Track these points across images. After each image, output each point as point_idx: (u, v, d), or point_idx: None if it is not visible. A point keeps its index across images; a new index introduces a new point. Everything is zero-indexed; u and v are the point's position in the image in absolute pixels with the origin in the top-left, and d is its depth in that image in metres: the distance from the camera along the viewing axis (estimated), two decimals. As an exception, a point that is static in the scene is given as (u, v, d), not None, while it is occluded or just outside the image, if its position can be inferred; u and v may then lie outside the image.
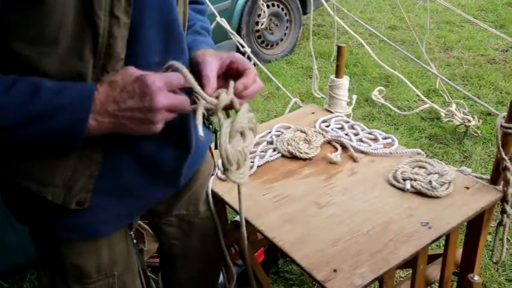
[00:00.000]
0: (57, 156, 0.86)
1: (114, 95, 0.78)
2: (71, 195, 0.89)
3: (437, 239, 1.15)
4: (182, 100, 0.82)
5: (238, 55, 0.95)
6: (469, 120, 2.81)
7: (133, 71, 0.81)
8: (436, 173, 1.30)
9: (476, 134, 2.88)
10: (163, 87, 0.79)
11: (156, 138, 0.88)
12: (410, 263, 1.17)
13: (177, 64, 0.83)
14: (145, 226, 1.86)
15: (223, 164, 0.88)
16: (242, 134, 0.89)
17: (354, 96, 1.79)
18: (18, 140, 0.79)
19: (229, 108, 0.92)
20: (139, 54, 0.85)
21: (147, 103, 0.77)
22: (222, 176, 1.40)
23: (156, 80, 0.78)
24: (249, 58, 2.39)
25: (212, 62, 0.92)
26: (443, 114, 2.98)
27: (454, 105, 2.92)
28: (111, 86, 0.79)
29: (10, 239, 1.87)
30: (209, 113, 0.90)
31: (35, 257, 1.95)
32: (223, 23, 2.31)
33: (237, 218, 1.97)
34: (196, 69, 0.94)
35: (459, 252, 1.40)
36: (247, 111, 0.89)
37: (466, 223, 1.29)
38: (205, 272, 1.46)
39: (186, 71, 0.83)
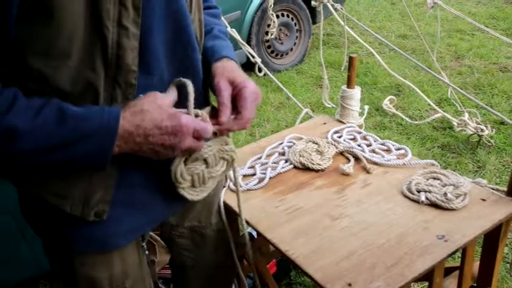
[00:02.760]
0: (74, 169, 0.86)
1: (145, 127, 0.81)
2: (88, 207, 0.89)
3: (454, 253, 1.12)
4: (201, 145, 0.90)
5: (249, 91, 0.96)
6: (482, 130, 2.77)
7: (164, 102, 0.83)
8: (451, 185, 1.28)
9: (489, 144, 2.84)
10: (192, 133, 0.84)
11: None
12: (426, 276, 1.15)
13: (184, 81, 0.87)
14: (157, 237, 1.85)
15: (173, 180, 0.95)
16: (206, 161, 0.96)
17: (366, 107, 1.78)
18: (42, 163, 0.81)
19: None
20: (151, 64, 0.86)
21: (174, 142, 0.83)
22: (234, 188, 1.39)
23: (189, 123, 0.83)
24: (259, 69, 2.39)
25: (226, 89, 0.95)
26: (455, 124, 2.95)
27: (466, 115, 2.88)
28: (142, 116, 0.81)
29: (23, 251, 1.88)
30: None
31: (47, 269, 1.96)
32: (234, 33, 2.32)
33: (248, 230, 1.96)
34: (213, 82, 0.98)
35: (476, 265, 1.37)
36: (218, 144, 0.97)
37: (482, 235, 1.26)
38: (217, 284, 1.45)
39: (191, 90, 0.88)
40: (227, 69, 0.99)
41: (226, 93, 0.95)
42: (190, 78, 0.97)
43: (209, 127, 0.89)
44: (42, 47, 0.75)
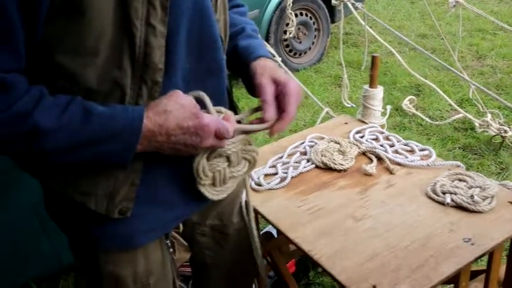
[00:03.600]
0: (99, 166, 0.86)
1: (168, 126, 0.82)
2: (113, 204, 0.90)
3: (481, 256, 1.10)
4: (223, 145, 0.90)
5: (293, 89, 0.96)
6: (505, 131, 2.72)
7: (186, 102, 0.83)
8: (477, 187, 1.26)
9: (513, 145, 2.79)
10: (214, 132, 0.85)
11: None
12: (452, 279, 1.13)
13: (200, 94, 0.89)
14: (176, 235, 1.86)
15: (194, 176, 0.94)
16: (228, 158, 0.95)
17: (388, 107, 1.76)
18: (65, 161, 0.82)
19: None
20: (175, 63, 0.86)
21: (196, 142, 0.84)
22: (256, 187, 1.39)
23: (211, 123, 0.84)
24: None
25: (270, 87, 0.95)
26: (477, 124, 2.90)
27: (489, 115, 2.83)
28: (165, 115, 0.81)
29: (44, 247, 1.90)
30: None
31: (67, 264, 1.99)
32: (254, 32, 2.31)
33: (267, 228, 1.95)
34: (252, 81, 0.98)
35: (502, 268, 1.34)
36: (241, 143, 0.96)
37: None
38: (238, 283, 1.45)
39: (208, 100, 0.89)
40: (268, 68, 0.98)
41: (269, 91, 0.94)
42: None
43: (231, 127, 0.89)
44: (71, 45, 0.75)
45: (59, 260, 1.95)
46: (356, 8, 2.77)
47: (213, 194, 0.98)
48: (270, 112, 0.94)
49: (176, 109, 0.82)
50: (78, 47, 0.76)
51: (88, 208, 0.89)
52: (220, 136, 0.87)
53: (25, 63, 0.75)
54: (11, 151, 0.79)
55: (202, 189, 0.96)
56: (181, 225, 1.42)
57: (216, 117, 0.88)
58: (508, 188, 1.30)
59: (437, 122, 3.12)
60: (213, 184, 0.97)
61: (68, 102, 0.77)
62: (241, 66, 1.02)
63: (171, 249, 1.15)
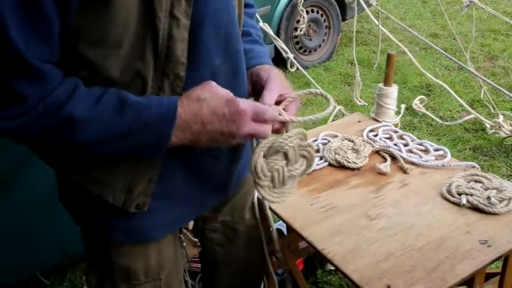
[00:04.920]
0: (119, 160, 0.86)
1: (203, 115, 0.79)
2: (131, 199, 0.89)
3: (497, 259, 1.09)
4: (265, 130, 0.84)
5: (296, 104, 0.94)
6: (517, 133, 2.69)
7: (220, 91, 0.81)
8: (494, 188, 1.24)
9: (524, 148, 2.76)
10: (252, 117, 0.81)
11: (212, 150, 0.90)
12: (466, 281, 1.12)
13: None
14: (184, 231, 1.85)
15: (252, 176, 0.89)
16: (286, 156, 0.89)
17: (403, 106, 1.74)
18: (100, 153, 0.80)
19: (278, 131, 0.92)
20: (201, 57, 0.84)
21: (233, 129, 0.80)
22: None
23: (247, 108, 0.80)
24: (291, 65, 2.36)
25: (274, 90, 0.93)
26: (488, 126, 2.87)
27: (501, 117, 2.80)
28: (199, 104, 0.79)
29: (51, 239, 1.90)
30: None
31: (75, 257, 1.99)
32: (266, 28, 2.30)
33: (277, 225, 1.94)
34: (257, 83, 0.97)
35: (516, 272, 1.32)
36: (297, 137, 0.89)
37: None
38: (247, 280, 1.44)
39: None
40: (273, 75, 0.97)
41: (271, 94, 0.92)
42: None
43: (269, 109, 0.84)
44: (95, 36, 0.75)
45: (66, 253, 1.95)
46: (369, 5, 2.74)
47: (272, 196, 0.91)
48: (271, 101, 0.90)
49: (210, 97, 0.80)
50: (102, 38, 0.75)
51: (104, 201, 0.89)
52: (259, 119, 0.82)
53: (59, 55, 0.75)
54: (46, 142, 0.78)
55: (262, 192, 0.90)
56: (191, 221, 1.42)
57: (253, 102, 0.84)
58: (525, 191, 1.27)
59: (447, 123, 3.10)
60: (272, 185, 0.91)
61: (102, 93, 0.76)
62: None
63: (184, 244, 1.15)
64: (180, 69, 0.82)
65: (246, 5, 1.14)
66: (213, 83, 0.82)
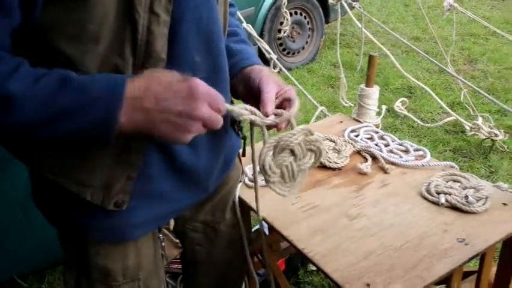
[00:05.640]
0: (96, 157, 0.84)
1: (156, 90, 0.73)
2: (109, 197, 0.87)
3: (474, 257, 1.10)
4: (217, 119, 0.78)
5: (295, 95, 0.94)
6: (496, 135, 2.74)
7: (173, 73, 0.78)
8: (472, 188, 1.26)
9: (502, 149, 2.81)
10: (208, 99, 0.76)
11: (191, 145, 0.86)
12: (444, 279, 1.13)
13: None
14: (166, 232, 1.83)
15: (262, 174, 0.90)
16: (293, 152, 0.90)
17: (384, 107, 1.76)
18: (43, 135, 0.75)
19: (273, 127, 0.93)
20: (181, 54, 0.83)
21: (189, 108, 0.74)
22: (250, 183, 1.37)
23: (205, 87, 0.76)
24: (274, 66, 2.37)
25: (271, 91, 0.92)
26: (468, 128, 2.92)
27: (480, 119, 2.85)
28: (152, 80, 0.74)
29: (30, 241, 1.87)
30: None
31: (54, 260, 1.95)
32: (250, 29, 2.30)
33: (258, 225, 1.94)
34: (251, 87, 0.96)
35: (493, 270, 1.35)
36: (302, 133, 0.90)
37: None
38: (228, 280, 1.43)
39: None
40: (266, 74, 0.97)
41: (269, 95, 0.92)
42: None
43: (223, 100, 0.80)
44: (72, 31, 0.73)
45: (45, 254, 1.92)
46: (352, 8, 2.76)
47: (283, 190, 0.93)
48: (270, 107, 0.91)
49: (164, 74, 0.76)
50: (79, 33, 0.74)
51: (81, 199, 0.87)
52: (213, 105, 0.77)
53: (10, 46, 0.72)
54: None
55: (273, 187, 0.92)
56: (172, 221, 1.40)
57: (207, 86, 0.79)
58: (502, 190, 1.30)
59: (428, 125, 3.14)
60: (283, 180, 0.92)
61: (45, 72, 0.72)
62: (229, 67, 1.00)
63: (163, 244, 1.13)
64: (160, 65, 0.81)
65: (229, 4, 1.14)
66: (174, 71, 0.77)
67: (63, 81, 0.71)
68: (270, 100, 0.91)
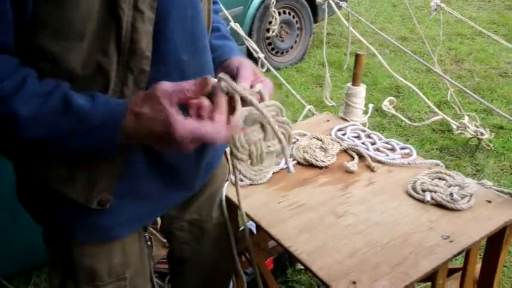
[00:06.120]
0: (80, 157, 0.83)
1: (141, 134, 0.76)
2: (92, 195, 0.87)
3: (459, 254, 1.11)
4: (209, 131, 0.74)
5: (270, 84, 0.91)
6: (482, 133, 2.77)
7: (161, 106, 0.74)
8: (456, 185, 1.27)
9: (488, 148, 2.84)
10: (173, 98, 0.74)
11: None
12: (429, 276, 1.14)
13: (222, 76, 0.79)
14: (154, 231, 1.83)
15: (230, 147, 0.84)
16: (262, 127, 0.85)
17: (371, 105, 1.76)
18: (50, 151, 0.78)
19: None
20: (166, 52, 0.83)
21: (176, 147, 0.75)
22: (240, 183, 1.37)
23: (185, 135, 0.73)
24: (262, 65, 2.37)
25: (247, 76, 0.90)
26: (454, 127, 2.95)
27: (466, 118, 2.88)
28: (139, 119, 0.75)
29: (16, 243, 1.85)
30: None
31: (40, 261, 1.93)
32: (237, 28, 2.29)
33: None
34: (229, 74, 0.90)
35: (478, 266, 1.36)
36: (274, 109, 0.85)
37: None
38: (215, 279, 1.43)
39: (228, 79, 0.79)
40: (250, 64, 0.95)
41: (245, 70, 0.90)
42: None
43: (189, 83, 0.75)
44: (56, 27, 0.73)
45: (31, 256, 1.89)
46: (340, 8, 2.77)
47: (249, 173, 0.88)
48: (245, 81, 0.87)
49: (149, 111, 0.74)
50: (63, 29, 0.73)
51: (65, 198, 0.86)
52: (181, 98, 0.75)
53: (13, 46, 0.72)
54: None
55: (239, 166, 0.86)
56: (159, 220, 1.40)
57: (194, 122, 0.75)
58: (486, 188, 1.31)
59: (416, 124, 3.16)
60: (250, 162, 0.87)
61: (50, 92, 0.73)
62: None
63: (149, 243, 1.13)
64: (145, 63, 0.80)
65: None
66: (160, 92, 0.74)
67: (65, 107, 0.74)
68: (244, 78, 0.88)
